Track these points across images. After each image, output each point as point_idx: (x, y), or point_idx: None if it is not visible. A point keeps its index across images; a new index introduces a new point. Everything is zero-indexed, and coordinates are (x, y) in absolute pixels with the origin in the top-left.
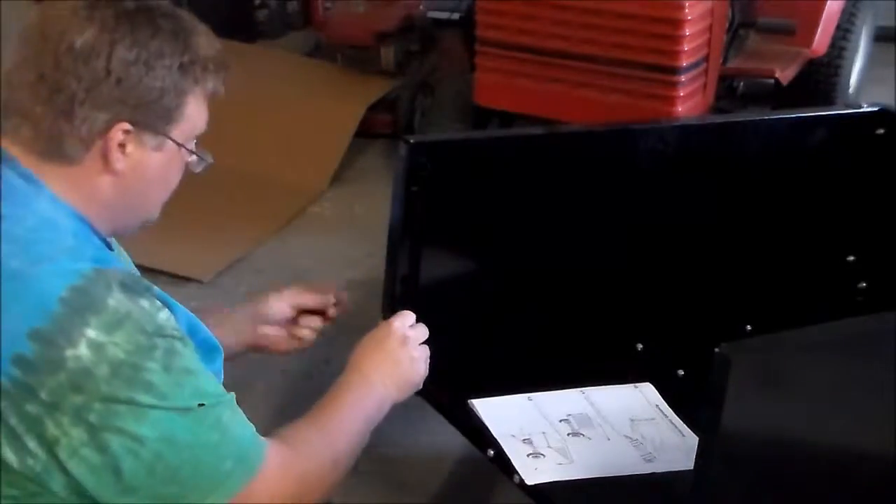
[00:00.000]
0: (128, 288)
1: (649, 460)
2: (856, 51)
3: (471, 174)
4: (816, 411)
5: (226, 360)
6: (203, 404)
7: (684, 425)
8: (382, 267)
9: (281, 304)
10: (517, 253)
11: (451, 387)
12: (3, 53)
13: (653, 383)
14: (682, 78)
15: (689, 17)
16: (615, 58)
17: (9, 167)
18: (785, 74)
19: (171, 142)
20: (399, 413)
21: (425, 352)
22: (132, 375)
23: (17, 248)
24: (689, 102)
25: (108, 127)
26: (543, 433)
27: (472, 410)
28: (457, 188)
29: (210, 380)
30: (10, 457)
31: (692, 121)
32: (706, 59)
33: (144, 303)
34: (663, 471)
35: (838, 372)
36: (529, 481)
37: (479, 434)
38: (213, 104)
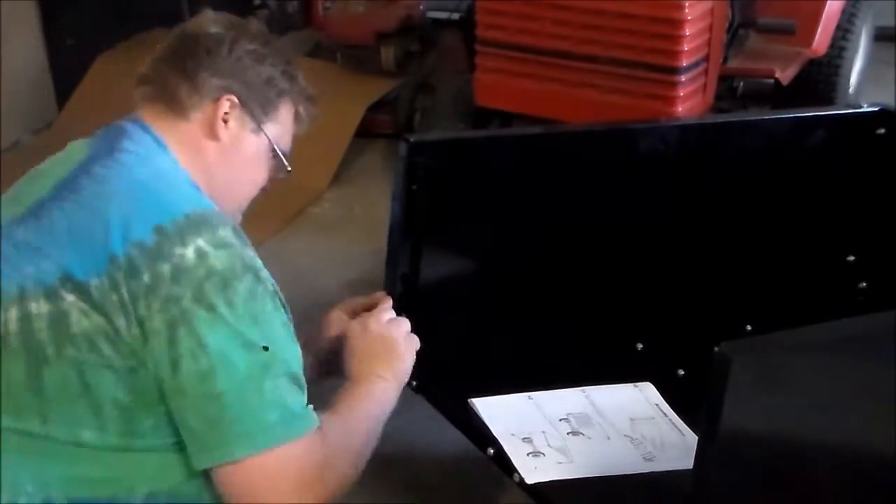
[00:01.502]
0: (238, 233)
1: (649, 459)
2: (856, 51)
3: (471, 173)
4: (816, 411)
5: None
6: (267, 349)
7: (684, 425)
8: (383, 266)
9: (334, 315)
10: (517, 252)
11: (451, 386)
12: (3, 53)
13: (653, 383)
14: (682, 78)
15: (689, 17)
16: (615, 58)
17: (141, 127)
18: (785, 74)
19: (264, 134)
20: (399, 413)
21: (409, 336)
22: (221, 286)
23: (157, 174)
24: (689, 102)
25: (220, 94)
26: (543, 432)
27: (473, 409)
28: (457, 187)
29: (286, 341)
30: (121, 323)
31: (692, 121)
32: (706, 59)
33: (249, 250)
34: (663, 470)
35: (838, 372)
36: (529, 480)
37: (479, 433)
38: None
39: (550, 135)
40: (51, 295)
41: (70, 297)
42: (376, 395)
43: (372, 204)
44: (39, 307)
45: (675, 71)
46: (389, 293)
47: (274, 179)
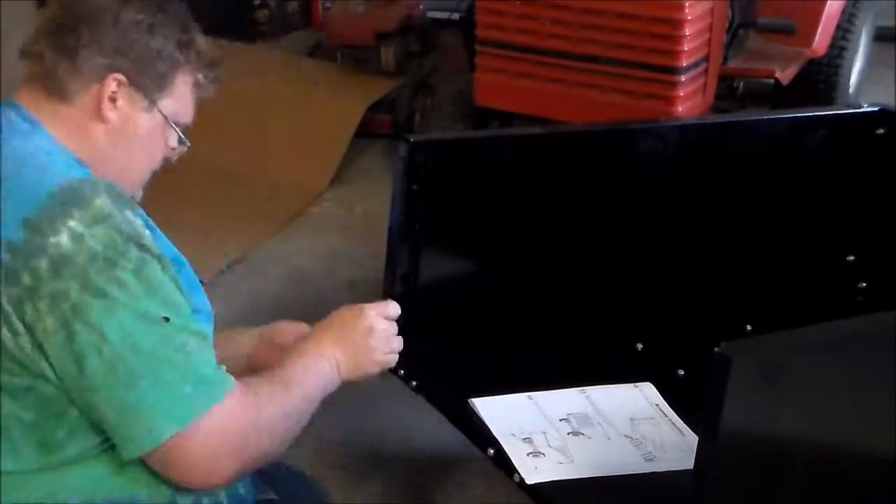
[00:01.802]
0: (115, 196)
1: (649, 460)
2: (856, 51)
3: (471, 173)
4: (816, 411)
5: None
6: (168, 319)
7: (684, 425)
8: (383, 267)
9: (290, 330)
10: (517, 252)
11: (451, 386)
12: (3, 53)
13: (653, 383)
14: (682, 78)
15: (689, 17)
16: (615, 58)
17: (13, 109)
18: (785, 74)
19: (158, 110)
20: (399, 413)
21: (389, 344)
22: (105, 268)
23: (17, 160)
24: (689, 102)
25: (105, 73)
26: (544, 432)
27: (473, 409)
28: (457, 187)
29: (181, 306)
30: (7, 336)
31: (692, 121)
32: (706, 59)
33: (128, 213)
34: (663, 470)
35: (838, 372)
36: (529, 480)
37: (479, 433)
38: (214, 103)
39: (551, 135)
40: None
41: None
42: (320, 377)
43: (372, 204)
44: None
45: (675, 71)
46: (389, 293)
47: (174, 154)
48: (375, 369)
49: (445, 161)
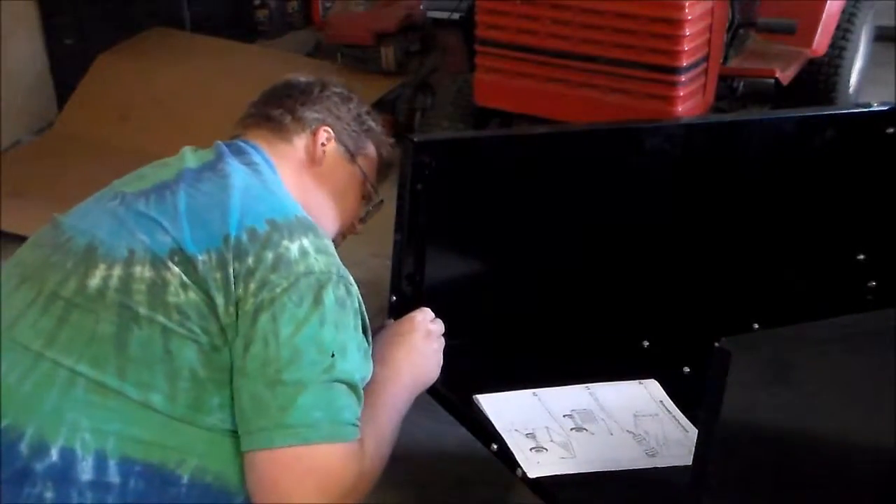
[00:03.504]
0: (336, 252)
1: (651, 455)
2: (856, 51)
3: (476, 173)
4: (817, 407)
5: None
6: (335, 358)
7: (688, 421)
8: (385, 267)
9: None
10: (522, 251)
11: (456, 383)
12: (3, 53)
13: (659, 380)
14: (683, 78)
15: (690, 17)
16: (615, 58)
17: (254, 148)
18: (785, 74)
19: (357, 165)
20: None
21: (443, 345)
22: (315, 287)
23: (269, 182)
24: (689, 102)
25: (317, 126)
26: (547, 428)
27: (477, 406)
28: (462, 186)
29: (357, 358)
30: (220, 301)
31: (698, 120)
32: (706, 59)
33: (345, 269)
34: (665, 466)
35: (839, 368)
36: (532, 474)
37: (482, 429)
38: (215, 103)
39: (555, 134)
40: (157, 263)
41: (175, 269)
42: (404, 395)
43: None
44: (143, 272)
45: (675, 71)
46: (396, 291)
47: (366, 214)
48: (438, 371)
49: (450, 160)
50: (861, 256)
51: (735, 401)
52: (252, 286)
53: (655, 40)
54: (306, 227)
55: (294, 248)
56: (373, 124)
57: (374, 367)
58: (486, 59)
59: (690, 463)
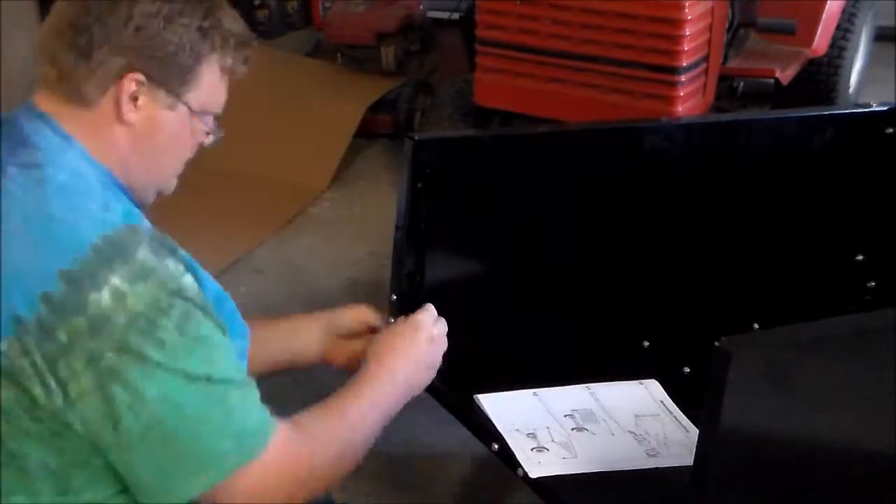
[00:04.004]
0: (157, 246)
1: (652, 455)
2: (856, 51)
3: (476, 172)
4: (817, 406)
5: (295, 368)
6: (210, 376)
7: (689, 421)
8: (383, 266)
9: (353, 317)
10: (523, 250)
11: (456, 383)
12: (3, 53)
13: (659, 380)
14: (683, 78)
15: (690, 17)
16: (615, 58)
17: (43, 121)
18: (785, 74)
19: (183, 105)
20: (400, 412)
21: (445, 347)
22: (146, 329)
23: (57, 195)
24: (689, 102)
25: (122, 74)
26: (548, 428)
27: (478, 406)
28: (462, 185)
29: (225, 355)
30: (38, 391)
31: (698, 119)
32: (706, 59)
33: (170, 263)
34: (666, 466)
35: (840, 368)
36: (533, 475)
37: (483, 429)
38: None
39: (556, 133)
40: None
41: None
42: (380, 396)
43: (372, 204)
44: None
45: (675, 71)
46: (396, 290)
47: (210, 142)
48: (435, 374)
49: (451, 159)
50: (860, 257)
51: (735, 401)
52: (78, 364)
53: (655, 40)
54: (111, 256)
55: (105, 297)
56: (205, 44)
57: (369, 363)
58: (486, 59)
59: (691, 463)
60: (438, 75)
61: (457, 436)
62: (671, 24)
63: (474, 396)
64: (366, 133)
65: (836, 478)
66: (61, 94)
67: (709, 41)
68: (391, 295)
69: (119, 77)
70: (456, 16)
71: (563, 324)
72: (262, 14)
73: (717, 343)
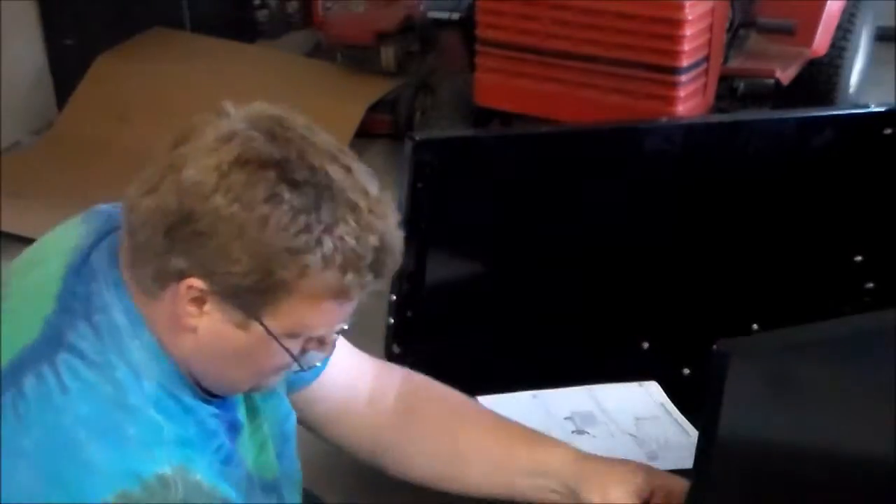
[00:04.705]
0: (192, 487)
1: (653, 458)
2: (856, 51)
3: (477, 172)
4: (818, 409)
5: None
6: None
7: (689, 424)
8: None
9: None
10: (523, 250)
11: (456, 384)
12: (3, 53)
13: (658, 382)
14: (683, 78)
15: (690, 17)
16: (615, 58)
17: (117, 294)
18: (785, 74)
19: (258, 324)
20: None
21: None
22: None
23: (83, 425)
24: (689, 103)
25: (182, 277)
26: (548, 431)
27: None
28: (463, 186)
29: None
30: None
31: (697, 120)
32: (706, 59)
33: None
34: (666, 468)
35: (840, 370)
36: None
37: None
38: (215, 104)
39: (557, 134)
40: None
41: None
42: None
43: None
44: None
45: (675, 71)
46: (396, 290)
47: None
48: None
49: (452, 160)
50: (858, 258)
51: (735, 403)
52: None
53: (655, 40)
54: None
55: None
56: (308, 258)
57: None
58: (486, 59)
59: (691, 465)
60: (438, 75)
61: None
62: (671, 24)
63: (475, 397)
64: (366, 133)
65: (836, 478)
66: (136, 273)
67: (709, 41)
68: (391, 295)
69: (179, 279)
70: (456, 16)
71: (562, 324)
72: (262, 14)
73: (715, 345)
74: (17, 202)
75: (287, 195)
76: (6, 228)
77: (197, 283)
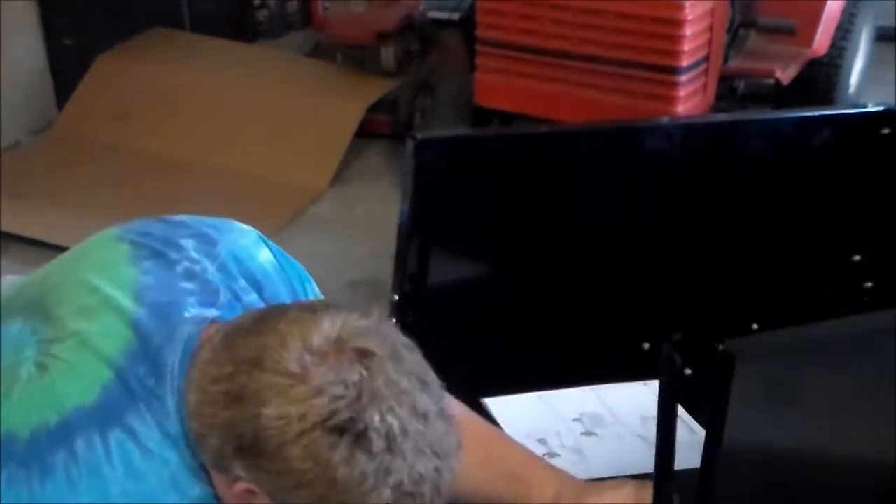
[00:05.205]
0: None
1: None
2: (856, 51)
3: (479, 171)
4: (822, 409)
5: None
6: None
7: (695, 423)
8: (383, 267)
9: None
10: (525, 251)
11: (462, 385)
12: (3, 53)
13: None
14: (683, 78)
15: (690, 17)
16: (615, 58)
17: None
18: (785, 74)
19: None
20: None
21: None
22: None
23: (138, 492)
24: (689, 103)
25: (235, 478)
26: (558, 433)
27: (485, 409)
28: (465, 185)
29: None
30: None
31: (697, 119)
32: (706, 59)
33: None
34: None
35: (845, 370)
36: None
37: None
38: (215, 103)
39: (559, 133)
40: None
41: None
42: None
43: (372, 204)
44: None
45: (675, 71)
46: (398, 291)
47: None
48: None
49: (453, 159)
50: (857, 257)
51: (739, 404)
52: None
53: (655, 40)
54: None
55: None
56: None
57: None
58: (486, 59)
59: (699, 465)
60: (438, 75)
61: None
62: (671, 24)
63: (481, 400)
64: (365, 133)
65: (838, 478)
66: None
67: (709, 41)
68: (393, 295)
69: (236, 480)
70: (456, 16)
71: (563, 324)
72: (262, 14)
73: (720, 346)
74: (17, 202)
75: (362, 462)
76: (6, 228)
77: (248, 485)
